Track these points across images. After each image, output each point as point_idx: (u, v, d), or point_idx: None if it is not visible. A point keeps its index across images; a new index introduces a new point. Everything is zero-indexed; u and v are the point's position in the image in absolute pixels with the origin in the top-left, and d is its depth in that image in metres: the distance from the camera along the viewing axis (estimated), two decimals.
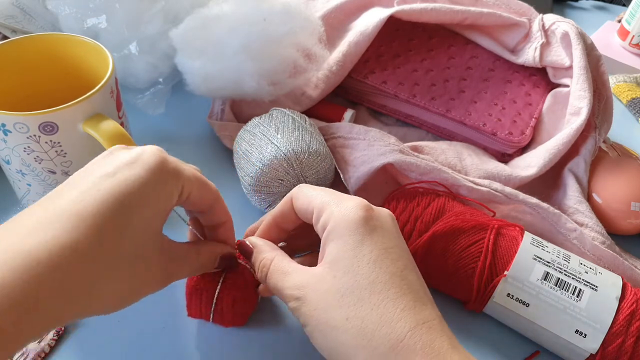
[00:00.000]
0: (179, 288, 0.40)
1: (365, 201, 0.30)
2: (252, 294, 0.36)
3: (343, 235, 0.29)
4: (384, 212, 0.31)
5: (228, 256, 0.34)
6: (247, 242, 0.34)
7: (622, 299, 0.36)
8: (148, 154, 0.27)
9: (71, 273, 0.23)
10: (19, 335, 0.22)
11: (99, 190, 0.25)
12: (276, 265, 0.31)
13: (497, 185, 0.44)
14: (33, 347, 0.35)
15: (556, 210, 0.43)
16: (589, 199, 0.47)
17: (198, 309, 0.35)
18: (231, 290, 0.35)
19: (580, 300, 0.36)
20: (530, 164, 0.47)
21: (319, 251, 0.31)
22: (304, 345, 0.37)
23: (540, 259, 0.37)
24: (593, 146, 0.49)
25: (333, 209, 0.30)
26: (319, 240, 0.31)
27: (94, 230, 0.24)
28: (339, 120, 0.52)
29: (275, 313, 0.39)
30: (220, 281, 0.34)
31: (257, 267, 0.32)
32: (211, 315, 0.35)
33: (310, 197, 0.32)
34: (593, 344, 0.35)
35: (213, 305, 0.34)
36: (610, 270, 0.40)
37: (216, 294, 0.34)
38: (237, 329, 0.38)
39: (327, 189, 0.33)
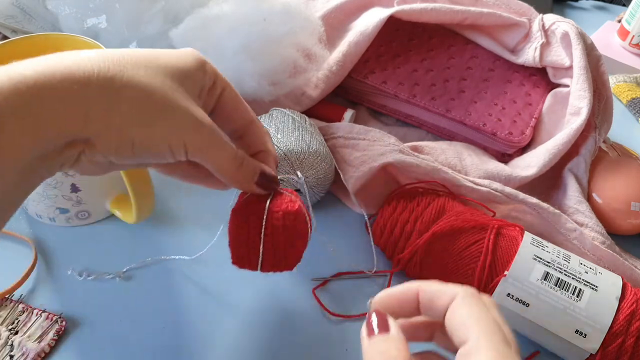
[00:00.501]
0: (180, 289, 0.40)
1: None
2: (300, 224, 0.31)
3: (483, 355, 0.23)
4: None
5: (269, 175, 0.31)
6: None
7: (622, 299, 0.36)
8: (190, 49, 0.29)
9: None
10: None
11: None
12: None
13: (497, 185, 0.44)
14: (33, 347, 0.35)
15: (556, 210, 0.43)
16: (589, 199, 0.47)
17: (244, 245, 0.31)
18: (278, 212, 0.30)
19: (580, 300, 0.36)
20: (530, 164, 0.47)
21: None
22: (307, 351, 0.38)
23: (540, 259, 0.37)
24: (593, 146, 0.49)
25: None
26: None
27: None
28: (339, 120, 0.52)
29: (279, 316, 0.39)
30: (268, 202, 0.31)
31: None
32: (261, 250, 0.31)
33: (442, 290, 0.27)
34: (593, 344, 0.35)
35: (263, 232, 0.30)
36: (610, 270, 0.40)
37: (265, 211, 0.30)
38: (239, 331, 0.38)
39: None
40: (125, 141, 0.25)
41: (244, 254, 0.31)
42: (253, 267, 0.32)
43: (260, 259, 0.31)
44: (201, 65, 0.29)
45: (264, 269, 0.32)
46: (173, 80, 0.27)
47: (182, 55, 0.28)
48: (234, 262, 0.32)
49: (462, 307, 0.25)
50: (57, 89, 0.23)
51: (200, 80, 0.28)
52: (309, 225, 0.32)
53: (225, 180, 0.30)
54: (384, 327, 0.26)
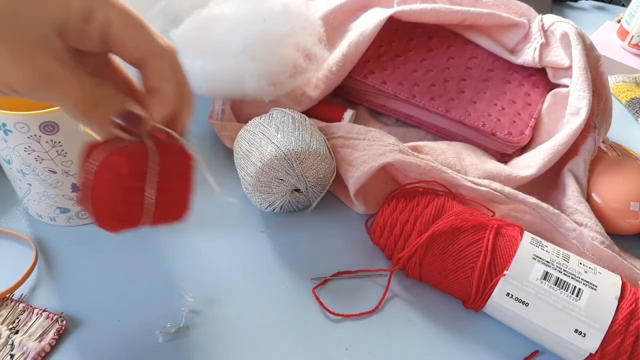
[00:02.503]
0: (179, 289, 0.40)
1: None
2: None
3: None
4: None
5: (132, 115, 0.26)
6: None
7: (621, 298, 0.36)
8: None
9: None
10: None
11: None
12: None
13: (496, 185, 0.44)
14: (33, 347, 0.35)
15: (555, 210, 0.43)
16: (588, 198, 0.47)
17: (105, 198, 0.26)
18: (117, 171, 0.25)
19: (579, 299, 0.36)
20: (529, 164, 0.47)
21: None
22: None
23: (540, 258, 0.37)
24: (592, 146, 0.49)
25: None
26: None
27: None
28: (339, 120, 0.52)
29: (279, 315, 0.39)
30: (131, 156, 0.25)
31: None
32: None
33: None
34: (592, 343, 0.35)
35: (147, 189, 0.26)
36: (609, 270, 0.40)
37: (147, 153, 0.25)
38: (239, 330, 0.38)
39: None
40: None
41: (105, 208, 0.27)
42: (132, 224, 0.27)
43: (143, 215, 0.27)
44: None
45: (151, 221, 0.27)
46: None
47: None
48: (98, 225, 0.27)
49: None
50: None
51: (54, 14, 0.24)
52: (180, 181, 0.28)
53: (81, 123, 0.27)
54: None
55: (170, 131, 0.27)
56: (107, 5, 0.25)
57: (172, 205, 0.28)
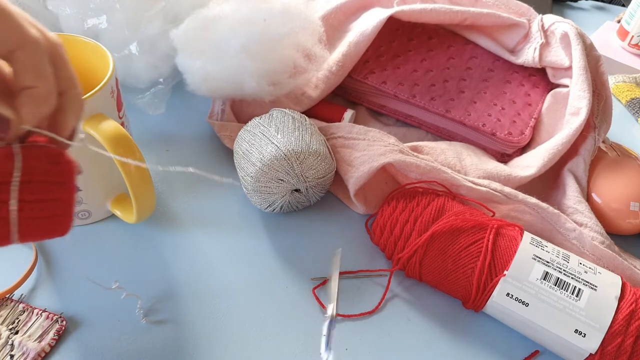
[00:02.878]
0: (179, 289, 0.40)
1: None
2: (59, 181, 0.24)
3: None
4: None
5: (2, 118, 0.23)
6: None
7: (621, 298, 0.36)
8: None
9: None
10: None
11: None
12: None
13: (496, 185, 0.44)
14: (33, 347, 0.35)
15: (555, 210, 0.43)
16: (588, 199, 0.47)
17: None
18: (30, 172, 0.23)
19: (579, 299, 0.36)
20: (529, 164, 0.47)
21: None
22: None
23: (540, 258, 0.37)
24: (592, 146, 0.49)
25: None
26: None
27: None
28: (339, 121, 0.52)
29: (279, 315, 0.39)
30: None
31: None
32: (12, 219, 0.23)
33: None
34: (592, 343, 0.35)
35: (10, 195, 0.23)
36: (609, 270, 0.40)
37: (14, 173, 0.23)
38: (239, 330, 0.38)
39: None
40: None
41: None
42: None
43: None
44: None
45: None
46: None
47: None
48: None
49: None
50: None
51: None
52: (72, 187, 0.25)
53: None
54: None
55: (49, 134, 0.24)
56: None
57: (47, 219, 0.25)
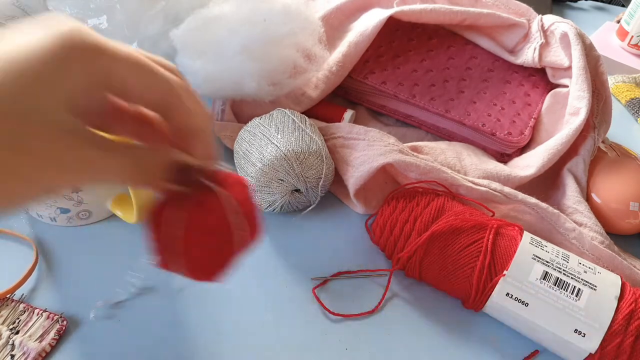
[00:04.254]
0: (179, 287, 0.40)
1: None
2: (226, 228, 0.26)
3: None
4: None
5: (182, 166, 0.25)
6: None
7: (621, 298, 0.36)
8: (65, 23, 0.21)
9: None
10: None
11: None
12: None
13: (496, 185, 0.44)
14: (34, 346, 0.35)
15: (555, 210, 0.43)
16: (588, 198, 0.47)
17: (164, 248, 0.26)
18: (198, 219, 0.25)
19: (579, 299, 0.36)
20: (529, 164, 0.47)
21: None
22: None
23: (540, 258, 0.38)
24: (592, 146, 0.49)
25: None
26: None
27: None
28: (339, 121, 0.52)
29: (279, 315, 0.39)
30: (187, 208, 0.25)
31: None
32: (175, 259, 0.26)
33: None
34: (592, 343, 0.35)
35: (183, 242, 0.25)
36: (609, 269, 0.40)
37: (182, 226, 0.25)
38: (239, 330, 0.38)
39: None
40: None
41: (161, 255, 0.26)
42: (174, 271, 0.27)
43: (168, 265, 0.26)
44: (73, 60, 0.21)
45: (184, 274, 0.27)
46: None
47: (33, 58, 0.20)
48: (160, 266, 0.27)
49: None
50: None
51: (83, 86, 0.22)
52: (242, 234, 0.27)
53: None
54: None
55: (222, 166, 0.27)
56: (113, 62, 0.22)
57: (250, 230, 0.27)
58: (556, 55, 0.54)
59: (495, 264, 0.38)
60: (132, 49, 0.23)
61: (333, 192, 0.48)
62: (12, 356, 0.34)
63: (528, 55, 0.55)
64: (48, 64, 0.20)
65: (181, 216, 0.25)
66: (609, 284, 0.37)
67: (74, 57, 0.21)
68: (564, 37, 0.52)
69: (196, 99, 0.25)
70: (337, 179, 0.46)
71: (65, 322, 0.36)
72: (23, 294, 0.38)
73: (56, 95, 0.21)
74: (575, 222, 0.44)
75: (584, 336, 0.35)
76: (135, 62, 0.23)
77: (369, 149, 0.45)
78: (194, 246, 0.25)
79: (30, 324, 0.36)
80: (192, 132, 0.25)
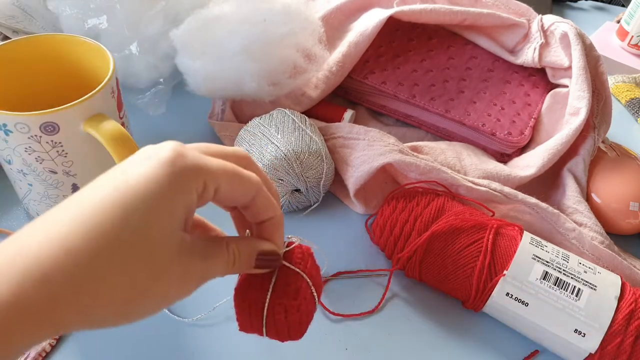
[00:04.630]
0: None
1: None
2: (306, 303, 0.31)
3: None
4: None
5: (267, 254, 0.30)
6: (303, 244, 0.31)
7: (621, 298, 0.36)
8: (164, 149, 0.25)
9: (73, 279, 0.22)
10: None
11: (107, 185, 0.24)
12: None
13: (496, 185, 0.44)
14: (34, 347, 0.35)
15: (555, 210, 0.43)
16: (588, 198, 0.47)
17: (248, 323, 0.31)
18: (282, 299, 0.30)
19: (579, 299, 0.36)
20: (529, 164, 0.47)
21: None
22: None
23: (540, 258, 0.38)
24: (592, 146, 0.49)
25: None
26: None
27: (93, 225, 0.23)
28: (339, 121, 0.52)
29: None
30: (270, 288, 0.30)
31: None
32: (264, 330, 0.30)
33: None
34: (592, 343, 0.35)
35: (264, 318, 0.30)
36: (609, 269, 0.40)
37: (266, 305, 0.30)
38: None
39: None
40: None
41: (248, 330, 0.31)
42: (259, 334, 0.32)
43: (265, 335, 0.31)
44: (181, 184, 0.25)
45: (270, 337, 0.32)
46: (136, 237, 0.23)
47: (154, 190, 0.24)
48: (240, 329, 0.32)
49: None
50: None
51: (187, 204, 0.25)
52: (315, 302, 0.31)
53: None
54: None
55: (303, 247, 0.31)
56: (210, 177, 0.26)
57: (289, 334, 0.31)
58: (556, 55, 0.54)
59: (495, 264, 0.38)
60: (220, 160, 0.27)
61: (333, 192, 0.48)
62: None
63: (528, 55, 0.55)
64: (165, 194, 0.24)
65: (263, 295, 0.30)
66: (609, 284, 0.37)
67: (182, 182, 0.25)
68: (564, 37, 0.52)
69: (273, 189, 0.30)
70: (337, 179, 0.46)
71: None
72: None
73: (174, 219, 0.25)
74: (575, 222, 0.44)
75: (584, 336, 0.35)
76: (228, 173, 0.27)
77: (369, 149, 0.45)
78: (275, 319, 0.30)
79: None
80: (272, 221, 0.30)
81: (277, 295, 0.30)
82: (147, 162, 0.25)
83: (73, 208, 0.23)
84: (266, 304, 0.30)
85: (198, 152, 0.26)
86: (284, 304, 0.30)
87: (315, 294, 0.31)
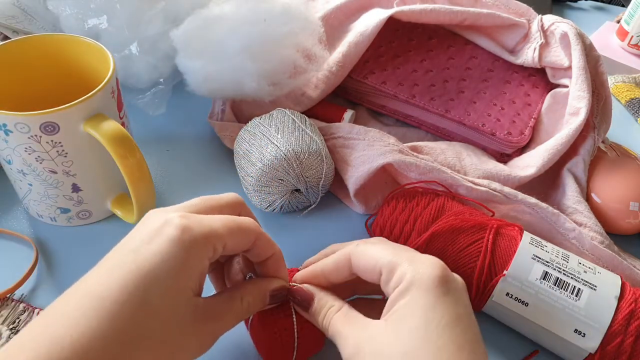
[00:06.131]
0: None
1: (440, 261, 0.29)
2: (309, 336, 0.33)
3: (415, 294, 0.27)
4: (458, 277, 0.30)
5: (279, 290, 0.32)
6: (305, 289, 0.33)
7: (621, 298, 0.36)
8: (170, 226, 0.27)
9: (95, 357, 0.23)
10: None
11: (121, 269, 0.25)
12: (343, 313, 0.31)
13: (496, 185, 0.44)
14: None
15: (555, 210, 0.43)
16: (587, 198, 0.47)
17: (280, 354, 0.33)
18: (306, 323, 0.33)
19: (579, 299, 0.36)
20: (529, 164, 0.47)
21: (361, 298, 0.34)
22: None
23: (539, 258, 0.38)
24: (592, 146, 0.49)
25: (406, 268, 0.28)
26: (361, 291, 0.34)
27: (113, 314, 0.24)
28: (339, 121, 0.52)
29: None
30: (294, 315, 0.32)
31: (322, 314, 0.31)
32: (294, 353, 0.33)
33: (376, 257, 0.30)
34: (592, 343, 0.35)
35: (296, 341, 0.32)
36: (609, 269, 0.40)
37: (295, 331, 0.32)
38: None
39: (389, 243, 0.32)
40: None
41: (277, 356, 0.34)
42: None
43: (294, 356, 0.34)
44: (192, 257, 0.27)
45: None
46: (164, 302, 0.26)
47: (176, 263, 0.26)
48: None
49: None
50: None
51: (199, 271, 0.27)
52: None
53: None
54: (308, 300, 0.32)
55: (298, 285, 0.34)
56: (216, 238, 0.28)
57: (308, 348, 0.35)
58: (556, 55, 0.54)
59: (495, 264, 0.38)
60: (222, 217, 0.29)
61: (333, 192, 0.48)
62: None
63: (528, 55, 0.55)
64: (178, 273, 0.26)
65: (289, 321, 0.32)
66: (609, 284, 0.37)
67: (193, 255, 0.26)
68: (564, 37, 0.52)
69: (263, 235, 0.32)
70: (337, 179, 0.46)
71: None
72: (23, 294, 0.38)
73: (188, 291, 0.26)
74: (575, 222, 0.44)
75: (584, 336, 0.35)
76: (232, 230, 0.29)
77: (369, 149, 0.45)
78: (283, 347, 0.32)
79: None
80: (274, 258, 0.32)
81: (299, 318, 0.33)
82: (157, 241, 0.26)
83: (95, 301, 0.24)
84: (295, 327, 0.32)
85: (199, 214, 0.28)
86: (309, 326, 0.32)
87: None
